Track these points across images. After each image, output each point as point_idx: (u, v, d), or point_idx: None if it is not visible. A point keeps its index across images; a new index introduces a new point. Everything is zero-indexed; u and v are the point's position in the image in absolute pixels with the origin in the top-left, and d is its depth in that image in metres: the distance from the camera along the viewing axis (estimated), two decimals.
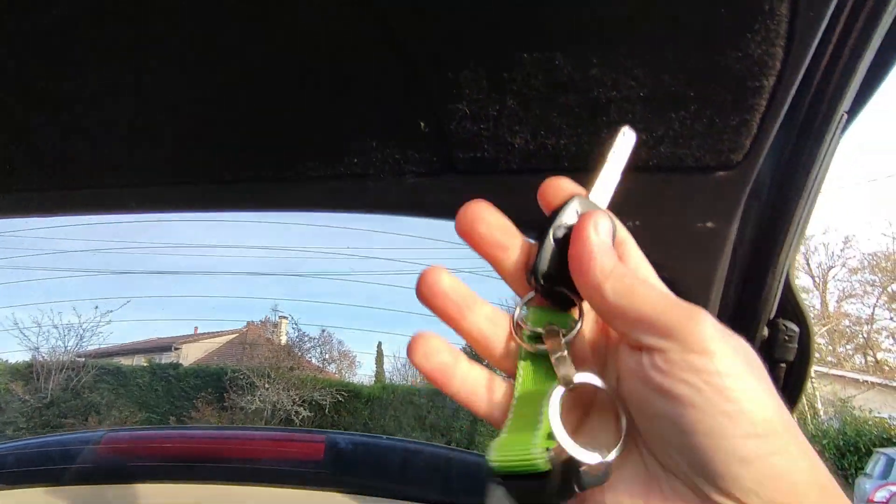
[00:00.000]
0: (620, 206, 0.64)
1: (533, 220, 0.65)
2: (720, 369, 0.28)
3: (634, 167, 0.62)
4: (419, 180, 0.60)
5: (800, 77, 0.48)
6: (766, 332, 0.71)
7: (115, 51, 0.51)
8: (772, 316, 0.71)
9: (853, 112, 0.62)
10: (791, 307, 0.72)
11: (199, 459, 1.31)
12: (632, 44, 0.46)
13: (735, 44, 0.45)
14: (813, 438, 9.10)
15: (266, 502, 1.27)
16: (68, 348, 12.11)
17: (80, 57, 0.51)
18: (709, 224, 0.60)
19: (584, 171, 0.64)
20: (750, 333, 0.70)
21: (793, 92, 0.49)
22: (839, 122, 0.59)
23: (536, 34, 0.45)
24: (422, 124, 0.54)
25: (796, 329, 0.71)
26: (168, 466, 1.30)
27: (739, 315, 0.70)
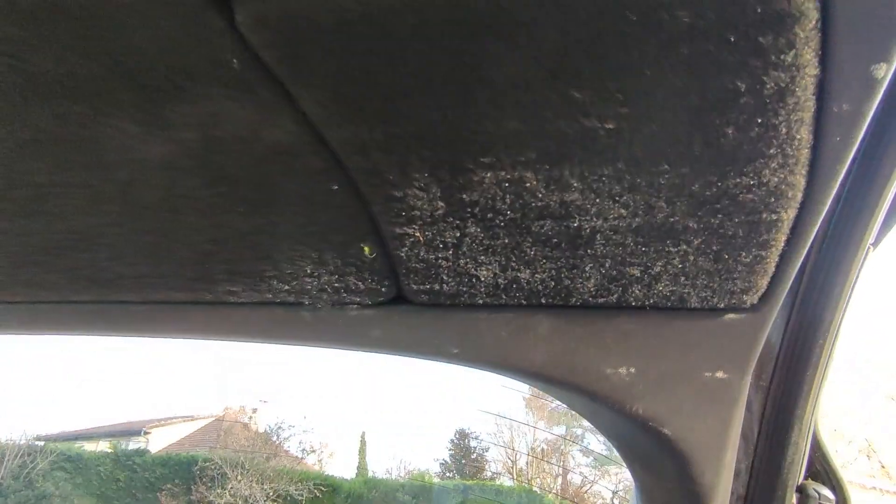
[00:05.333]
0: (614, 348, 0.54)
1: (499, 360, 0.54)
2: None
3: (629, 305, 0.52)
4: (363, 312, 0.49)
5: (825, 210, 0.40)
6: (794, 499, 0.58)
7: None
8: (800, 479, 0.58)
9: (877, 242, 0.54)
10: (822, 468, 0.59)
11: None
12: (619, 164, 0.37)
13: (745, 170, 0.37)
14: None
15: None
16: (27, 432, 11.31)
17: None
18: (719, 374, 0.49)
19: (563, 308, 0.54)
20: (775, 502, 0.57)
21: (817, 227, 0.41)
22: (865, 256, 0.50)
23: (499, 147, 0.37)
24: (366, 249, 0.44)
25: (831, 497, 0.58)
26: None
27: (762, 479, 0.57)
